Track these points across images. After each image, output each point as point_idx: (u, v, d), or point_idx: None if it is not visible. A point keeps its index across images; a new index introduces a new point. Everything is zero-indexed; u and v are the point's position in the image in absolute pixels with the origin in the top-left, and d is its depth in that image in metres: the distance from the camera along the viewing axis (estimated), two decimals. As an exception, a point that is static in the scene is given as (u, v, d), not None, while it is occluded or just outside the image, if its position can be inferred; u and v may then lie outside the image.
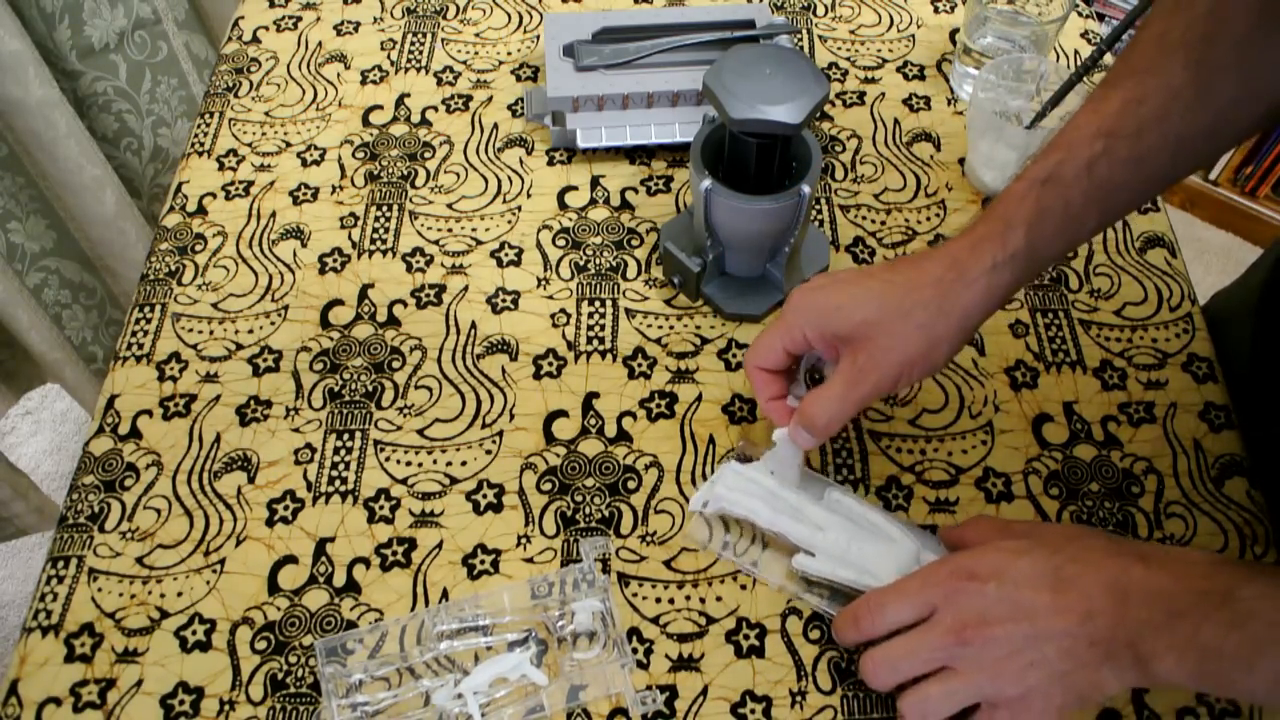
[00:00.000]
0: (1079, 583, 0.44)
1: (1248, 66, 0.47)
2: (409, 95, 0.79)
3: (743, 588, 0.55)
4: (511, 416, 0.62)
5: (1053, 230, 0.49)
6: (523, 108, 0.78)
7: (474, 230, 0.71)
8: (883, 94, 0.79)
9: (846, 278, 0.53)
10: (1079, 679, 0.44)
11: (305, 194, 0.73)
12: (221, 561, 0.57)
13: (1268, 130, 1.66)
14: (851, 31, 0.84)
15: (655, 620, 0.54)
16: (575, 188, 0.73)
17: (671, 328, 0.66)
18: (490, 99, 0.79)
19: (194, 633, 0.54)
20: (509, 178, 0.74)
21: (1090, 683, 0.44)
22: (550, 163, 0.75)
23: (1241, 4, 0.47)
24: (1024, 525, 0.51)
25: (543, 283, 0.68)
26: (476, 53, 0.82)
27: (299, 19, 0.85)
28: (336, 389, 0.63)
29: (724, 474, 0.56)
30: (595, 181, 0.74)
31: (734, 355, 0.64)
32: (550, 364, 0.64)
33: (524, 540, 0.57)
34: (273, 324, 0.66)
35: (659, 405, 0.62)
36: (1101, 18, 1.72)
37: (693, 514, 0.57)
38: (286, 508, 0.58)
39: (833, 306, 0.52)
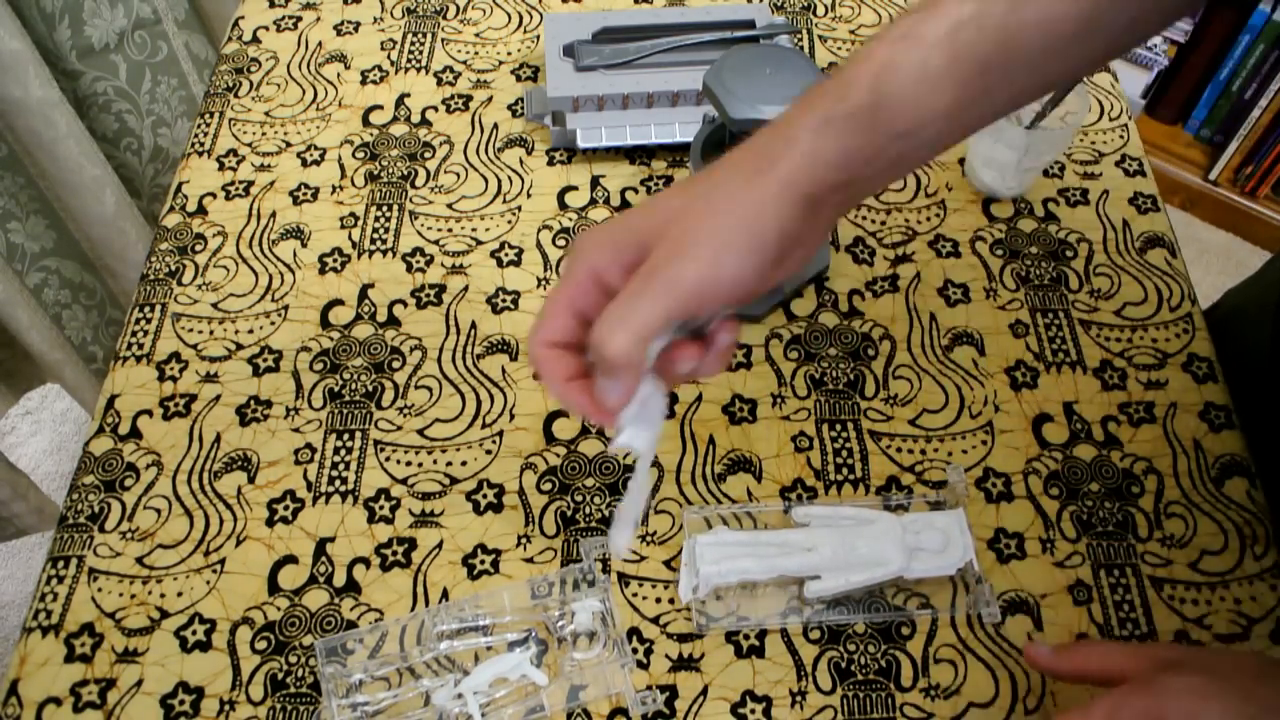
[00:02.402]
0: None
1: None
2: (409, 95, 0.79)
3: (743, 587, 0.55)
4: (511, 416, 0.62)
5: (903, 93, 0.40)
6: (523, 108, 0.78)
7: (474, 230, 0.71)
8: (883, 94, 0.79)
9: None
10: None
11: (305, 194, 0.73)
12: (221, 561, 0.57)
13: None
14: (851, 31, 0.84)
15: (655, 620, 0.54)
16: (575, 188, 0.73)
17: (671, 328, 0.66)
18: (490, 99, 0.79)
19: (194, 633, 0.54)
20: (509, 178, 0.74)
21: None
22: (550, 163, 0.75)
23: None
24: (1169, 652, 0.45)
25: (543, 283, 0.68)
26: (476, 53, 0.82)
27: (299, 19, 0.85)
28: (336, 389, 0.63)
29: (701, 552, 0.54)
30: (595, 181, 0.74)
31: (734, 355, 0.64)
32: (550, 364, 0.64)
33: (524, 540, 0.57)
34: (273, 324, 0.66)
35: (659, 405, 0.62)
36: (1101, 18, 1.72)
37: (687, 603, 0.55)
38: (286, 508, 0.58)
39: (621, 224, 0.41)
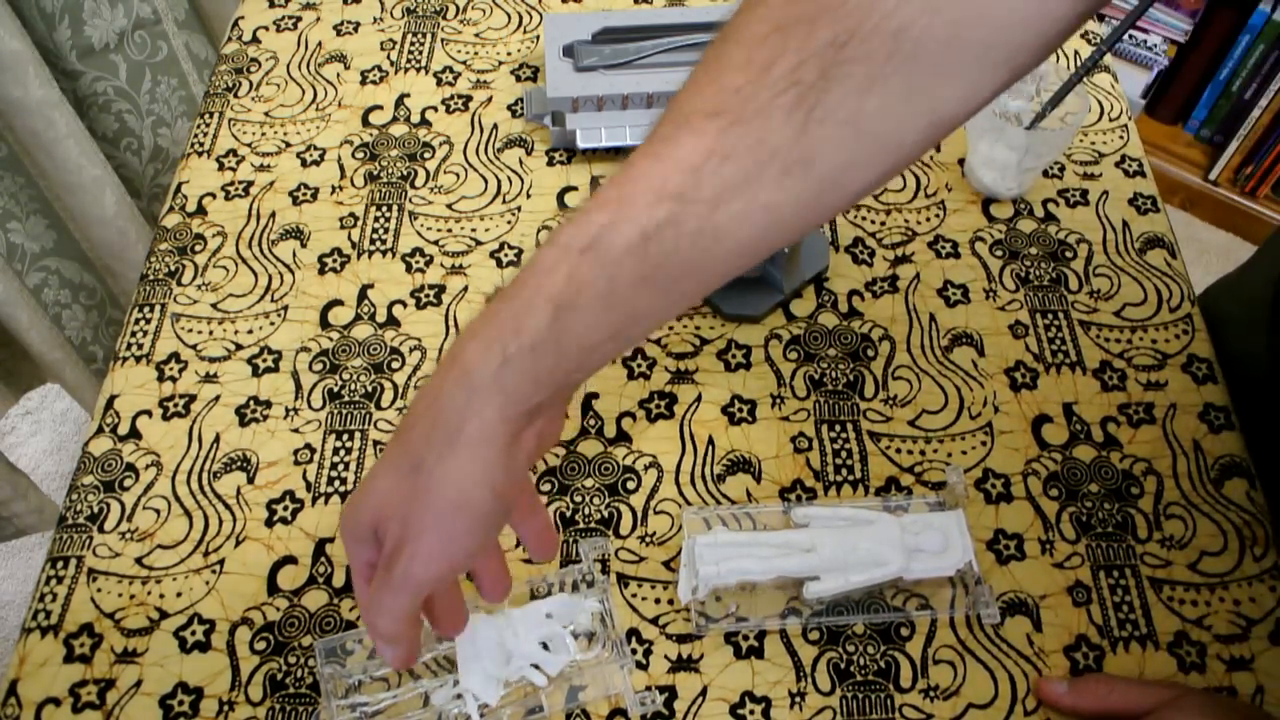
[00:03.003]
0: None
1: (871, 121, 0.36)
2: (409, 95, 0.79)
3: (742, 588, 0.55)
4: (511, 417, 0.62)
5: (591, 314, 0.37)
6: (523, 108, 0.78)
7: (474, 231, 0.71)
8: (882, 94, 0.79)
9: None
10: None
11: (305, 194, 0.73)
12: (221, 562, 0.57)
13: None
14: (851, 32, 0.84)
15: (654, 621, 0.54)
16: (575, 188, 0.73)
17: (671, 328, 0.66)
18: (490, 99, 0.79)
19: (193, 633, 0.54)
20: (509, 178, 0.74)
21: None
22: (550, 163, 0.75)
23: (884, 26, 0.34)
24: (1163, 688, 0.49)
25: (542, 283, 0.68)
26: (476, 53, 0.82)
27: (299, 19, 0.85)
28: (336, 389, 0.63)
29: (701, 553, 0.53)
30: (595, 182, 0.74)
31: (733, 356, 0.64)
32: (550, 364, 0.64)
33: (523, 541, 0.57)
34: (272, 324, 0.66)
35: (658, 406, 0.62)
36: (1101, 18, 1.72)
37: (687, 604, 0.54)
38: (286, 508, 0.58)
39: (351, 504, 0.42)
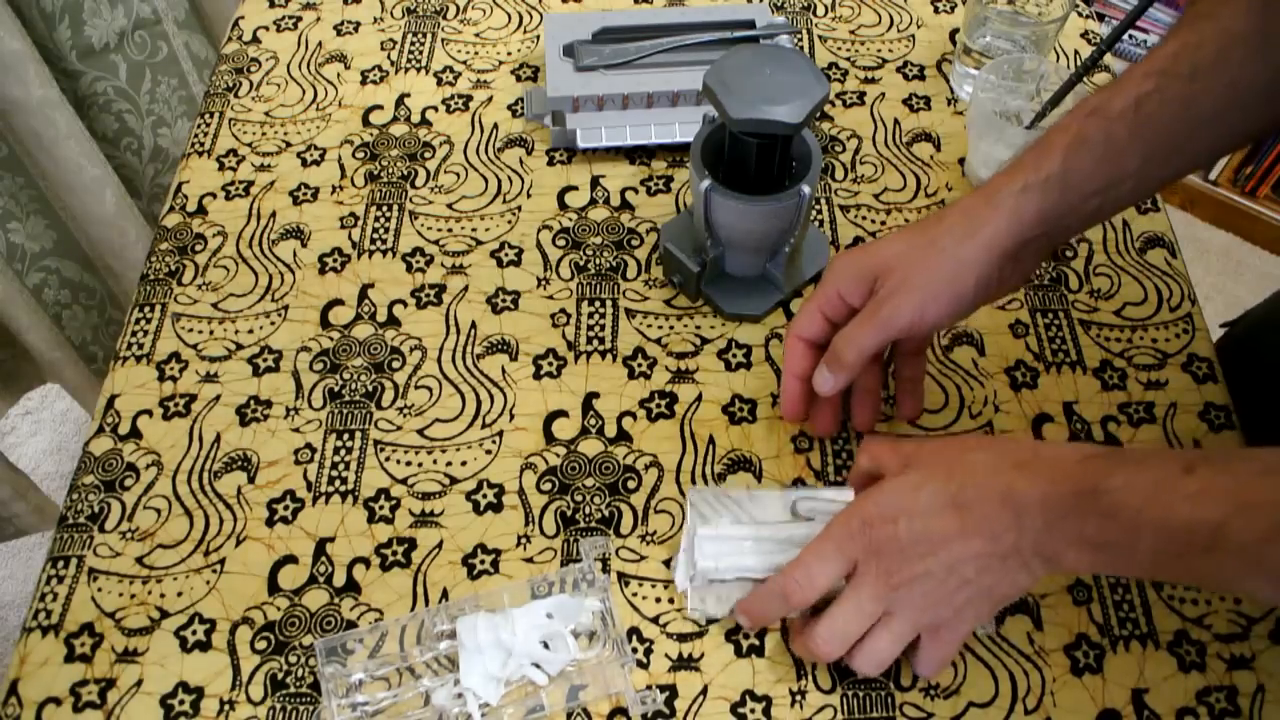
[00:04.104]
0: (976, 506, 0.45)
1: None
2: (409, 95, 0.79)
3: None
4: (511, 416, 0.62)
5: (1091, 161, 0.48)
6: (523, 108, 0.78)
7: (474, 230, 0.71)
8: (883, 94, 0.79)
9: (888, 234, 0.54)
10: (1001, 586, 0.46)
11: (305, 194, 0.73)
12: (221, 561, 0.57)
13: None
14: (851, 31, 0.84)
15: (655, 620, 0.54)
16: (575, 188, 0.73)
17: (671, 328, 0.66)
18: (490, 99, 0.79)
19: (194, 633, 0.54)
20: (509, 178, 0.74)
21: (1011, 585, 0.46)
22: (550, 163, 0.75)
23: None
24: (912, 446, 0.51)
25: (543, 283, 0.68)
26: (476, 53, 0.82)
27: (299, 19, 0.85)
28: (336, 389, 0.63)
29: (701, 545, 0.53)
30: (595, 181, 0.74)
31: (734, 355, 0.64)
32: (550, 364, 0.64)
33: (524, 540, 0.57)
34: (273, 324, 0.66)
35: (659, 405, 0.62)
36: (1101, 18, 1.72)
37: (682, 593, 0.54)
38: (286, 508, 0.58)
39: (861, 253, 0.53)
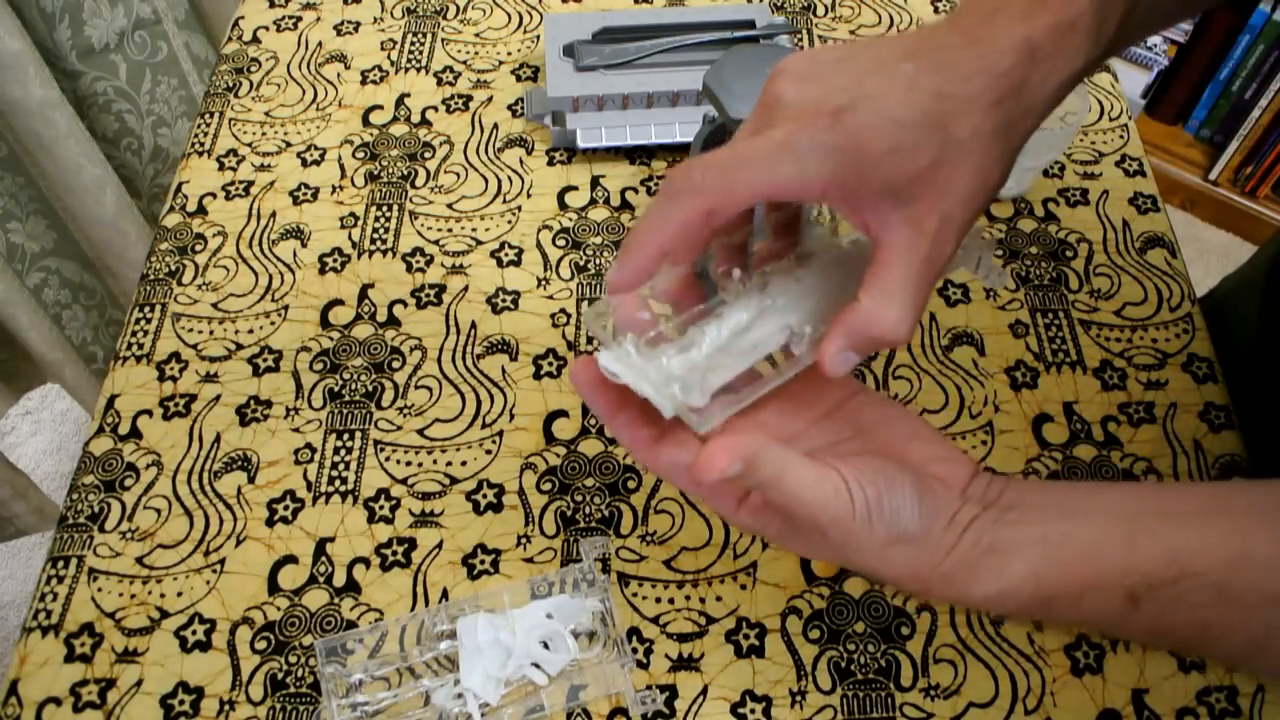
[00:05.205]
0: None
1: None
2: (409, 95, 0.79)
3: (743, 587, 0.55)
4: (511, 416, 0.62)
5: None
6: (523, 108, 0.78)
7: (474, 230, 0.71)
8: (883, 94, 0.79)
9: (841, 69, 0.36)
10: None
11: (305, 194, 0.73)
12: (221, 561, 0.57)
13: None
14: (851, 32, 0.84)
15: (655, 620, 0.54)
16: (575, 188, 0.73)
17: (671, 328, 0.66)
18: (490, 99, 0.79)
19: (194, 633, 0.54)
20: (509, 178, 0.74)
21: None
22: (550, 163, 0.75)
23: None
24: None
25: (543, 283, 0.68)
26: (476, 53, 0.82)
27: (299, 19, 0.85)
28: (336, 389, 0.63)
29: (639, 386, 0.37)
30: (595, 181, 0.74)
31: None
32: (550, 364, 0.64)
33: (524, 540, 0.57)
34: (273, 324, 0.66)
35: (659, 405, 0.62)
36: (1101, 18, 1.72)
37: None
38: (286, 508, 0.58)
39: (881, 146, 0.34)
